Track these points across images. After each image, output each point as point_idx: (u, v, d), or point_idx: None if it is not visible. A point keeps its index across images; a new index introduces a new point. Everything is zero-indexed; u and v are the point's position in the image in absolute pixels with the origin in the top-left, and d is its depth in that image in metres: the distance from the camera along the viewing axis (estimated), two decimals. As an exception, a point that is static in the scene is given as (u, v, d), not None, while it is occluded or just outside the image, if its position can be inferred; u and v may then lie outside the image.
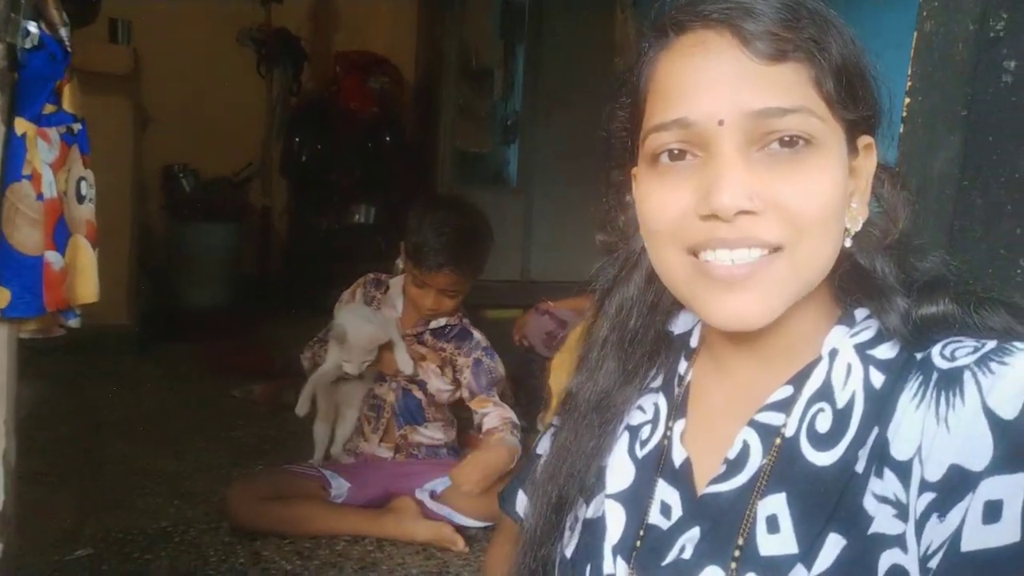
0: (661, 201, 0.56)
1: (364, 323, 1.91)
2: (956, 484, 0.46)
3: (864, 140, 0.57)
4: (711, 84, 0.53)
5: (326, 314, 2.11)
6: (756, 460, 0.57)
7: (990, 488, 0.44)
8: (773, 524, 0.54)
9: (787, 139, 0.52)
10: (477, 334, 2.01)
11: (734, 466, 0.57)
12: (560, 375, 2.26)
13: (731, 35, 0.52)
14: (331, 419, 2.03)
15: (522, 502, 0.79)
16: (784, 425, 0.56)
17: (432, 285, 1.91)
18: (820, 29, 0.53)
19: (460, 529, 1.83)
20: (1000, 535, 0.43)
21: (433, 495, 1.86)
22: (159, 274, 3.74)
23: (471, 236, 1.93)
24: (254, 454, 2.29)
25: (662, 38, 0.57)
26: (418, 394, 1.98)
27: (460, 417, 2.13)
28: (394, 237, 2.12)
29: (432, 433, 2.01)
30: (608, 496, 0.65)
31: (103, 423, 2.43)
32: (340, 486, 1.86)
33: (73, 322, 1.29)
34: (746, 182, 0.51)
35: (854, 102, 0.55)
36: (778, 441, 0.56)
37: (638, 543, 0.61)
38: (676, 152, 0.55)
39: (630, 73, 0.61)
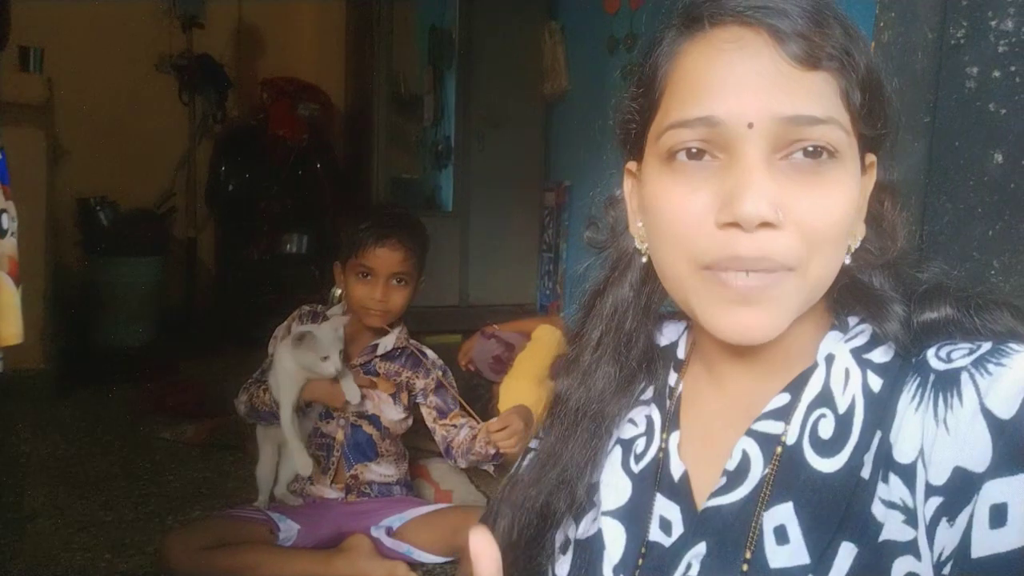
0: (676, 204, 0.53)
1: (323, 326, 1.85)
2: (961, 487, 0.46)
3: (869, 158, 0.57)
4: (744, 84, 0.51)
5: (259, 348, 2.02)
6: (757, 470, 0.55)
7: (993, 491, 0.44)
8: (782, 535, 0.52)
9: (811, 149, 0.51)
10: (430, 353, 1.97)
11: (735, 477, 0.56)
12: (509, 398, 2.23)
13: (768, 35, 0.51)
14: (274, 461, 1.93)
15: (498, 514, 0.76)
16: (784, 433, 0.55)
17: (378, 269, 1.85)
18: (850, 40, 0.52)
19: (419, 566, 1.77)
20: (1008, 539, 0.43)
21: (390, 532, 1.79)
22: (76, 313, 3.54)
23: (408, 215, 1.99)
24: (190, 499, 2.16)
25: (691, 28, 0.55)
26: (368, 429, 1.91)
27: (410, 448, 2.07)
28: (328, 265, 2.06)
29: (384, 470, 1.93)
30: (604, 513, 0.62)
31: (23, 474, 2.26)
32: (289, 528, 1.77)
33: (-6, 366, 1.20)
34: (771, 191, 0.50)
35: (872, 119, 0.54)
36: (779, 450, 0.55)
37: (640, 561, 0.59)
38: (694, 151, 0.53)
39: (644, 62, 0.58)
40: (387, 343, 1.93)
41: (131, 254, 3.76)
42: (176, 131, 4.08)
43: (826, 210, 0.51)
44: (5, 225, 1.18)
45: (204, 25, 3.94)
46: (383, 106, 4.23)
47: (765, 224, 0.50)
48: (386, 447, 1.93)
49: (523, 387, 2.21)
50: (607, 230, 0.67)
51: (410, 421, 1.95)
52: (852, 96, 0.52)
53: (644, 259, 0.62)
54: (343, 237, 1.91)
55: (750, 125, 0.50)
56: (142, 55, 3.90)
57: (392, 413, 1.90)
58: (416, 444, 2.21)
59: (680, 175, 0.54)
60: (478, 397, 2.46)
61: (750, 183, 0.50)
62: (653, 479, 0.62)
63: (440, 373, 1.94)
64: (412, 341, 1.98)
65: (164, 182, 4.09)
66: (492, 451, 1.77)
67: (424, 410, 1.92)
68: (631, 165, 0.61)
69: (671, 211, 0.54)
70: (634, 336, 0.65)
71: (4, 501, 2.06)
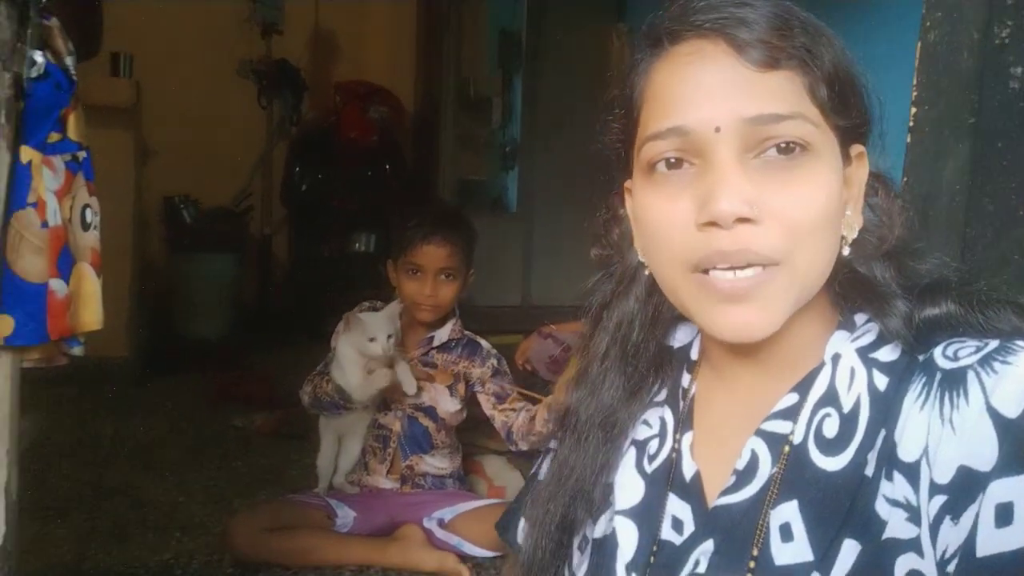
0: (660, 212, 0.56)
1: (372, 312, 1.91)
2: (966, 486, 0.46)
3: (856, 148, 0.58)
4: (707, 92, 0.53)
5: (327, 343, 2.10)
6: (766, 469, 0.56)
7: (999, 490, 0.44)
8: (787, 532, 0.53)
9: (783, 145, 0.53)
10: (484, 343, 2.03)
11: (744, 476, 0.57)
12: (564, 399, 2.24)
13: (725, 44, 0.53)
14: (334, 451, 2.00)
15: (523, 530, 0.78)
16: (791, 433, 0.56)
17: (426, 265, 1.90)
18: (811, 38, 0.54)
19: (469, 558, 1.80)
20: (1014, 538, 0.43)
21: (442, 524, 1.83)
22: (159, 305, 3.74)
23: (455, 212, 2.05)
24: (256, 484, 2.26)
25: (656, 48, 0.58)
26: (424, 421, 1.96)
27: (465, 444, 2.11)
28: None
29: (438, 463, 1.98)
30: (618, 513, 0.64)
31: (103, 455, 2.41)
32: (346, 515, 1.84)
33: (77, 350, 1.28)
34: (744, 188, 0.52)
35: (846, 109, 0.55)
36: (786, 449, 0.56)
37: (652, 559, 0.61)
38: (673, 161, 0.55)
39: (623, 85, 0.61)
40: (442, 335, 1.98)
41: (211, 250, 3.94)
42: (254, 133, 4.25)
43: (804, 202, 0.52)
44: (89, 219, 1.27)
45: (282, 31, 4.09)
46: (451, 109, 4.30)
47: (743, 220, 0.51)
48: (441, 439, 1.97)
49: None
50: (613, 246, 0.69)
51: (464, 413, 1.99)
52: (818, 91, 0.53)
53: (648, 271, 0.63)
54: (393, 236, 1.97)
55: (717, 129, 0.52)
56: (224, 61, 4.07)
57: (448, 404, 1.95)
58: (471, 440, 2.24)
59: (661, 185, 0.56)
60: (534, 397, 2.48)
61: (723, 183, 0.52)
62: (666, 479, 0.63)
63: (495, 361, 1.99)
64: (467, 332, 2.02)
65: (242, 182, 4.26)
66: None
67: (482, 398, 1.95)
68: (628, 183, 0.64)
69: (656, 219, 0.56)
70: (641, 347, 0.67)
71: (85, 479, 2.19)
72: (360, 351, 1.85)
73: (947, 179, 0.73)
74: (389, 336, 1.83)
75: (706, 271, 0.54)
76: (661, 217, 0.56)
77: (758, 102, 0.52)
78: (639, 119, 0.59)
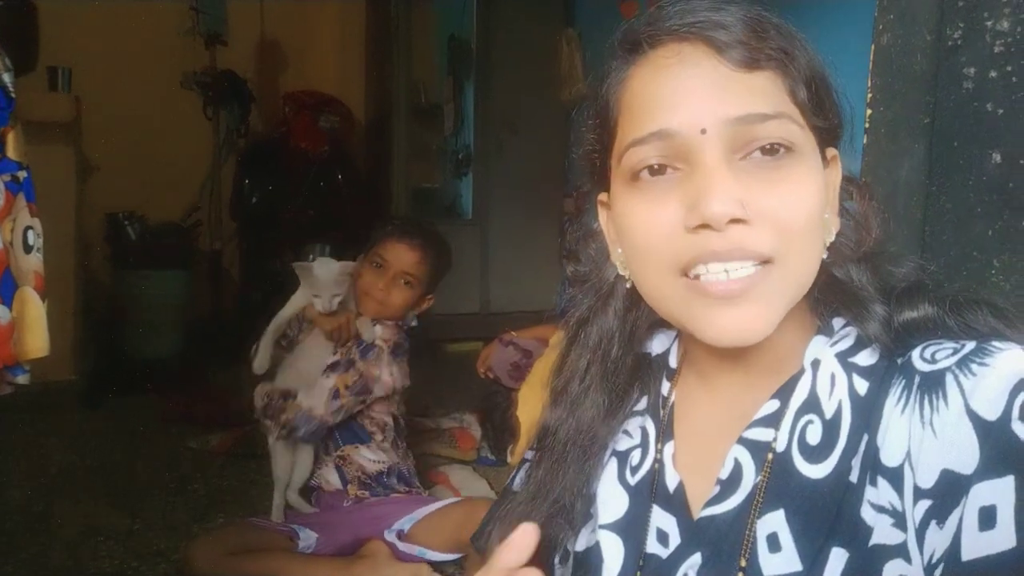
0: (646, 219, 0.54)
1: (330, 261, 1.94)
2: (949, 489, 0.46)
3: (831, 152, 0.58)
4: (690, 93, 0.53)
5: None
6: (750, 478, 0.56)
7: (982, 493, 0.44)
8: (774, 542, 0.52)
9: (768, 147, 0.52)
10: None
11: (728, 486, 0.56)
12: (528, 405, 2.23)
13: (705, 45, 0.53)
14: (289, 461, 1.97)
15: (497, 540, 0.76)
16: (774, 440, 0.55)
17: (391, 261, 1.92)
18: (787, 40, 0.54)
19: (435, 565, 1.78)
20: (998, 541, 0.43)
21: (401, 535, 1.80)
22: (106, 325, 3.62)
23: (437, 234, 2.04)
24: (214, 507, 2.19)
25: (633, 53, 0.57)
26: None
27: (429, 454, 2.09)
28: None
29: (373, 455, 1.94)
30: (602, 527, 0.62)
31: (53, 483, 2.31)
32: (308, 537, 1.79)
33: (22, 378, 1.23)
34: (734, 189, 0.51)
35: (823, 111, 0.55)
36: (770, 457, 0.55)
37: (638, 574, 0.60)
38: (656, 167, 0.54)
39: (597, 94, 0.60)
40: (369, 335, 1.93)
41: (158, 267, 3.83)
42: (201, 146, 4.15)
43: (793, 203, 0.52)
44: (31, 241, 1.22)
45: (227, 42, 4.01)
46: (403, 116, 4.27)
47: (735, 221, 0.51)
48: (373, 415, 1.95)
49: (541, 394, 2.21)
50: (590, 262, 0.68)
51: (400, 380, 1.97)
52: (798, 91, 0.53)
53: (628, 284, 0.62)
54: (371, 234, 2.01)
55: (703, 131, 0.52)
56: (167, 72, 3.97)
57: (384, 372, 1.92)
58: (435, 451, 2.22)
59: (646, 192, 0.55)
60: (497, 405, 2.47)
61: (713, 184, 0.51)
62: (649, 491, 0.62)
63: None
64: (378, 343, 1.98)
65: (189, 196, 4.16)
66: None
67: None
68: (602, 196, 0.63)
69: (641, 226, 0.55)
70: (620, 363, 0.66)
71: (34, 511, 2.10)
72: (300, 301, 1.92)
73: (904, 179, 0.74)
74: (335, 295, 1.87)
75: (697, 277, 0.53)
76: (647, 222, 0.54)
77: (743, 102, 0.52)
78: (616, 127, 0.57)
